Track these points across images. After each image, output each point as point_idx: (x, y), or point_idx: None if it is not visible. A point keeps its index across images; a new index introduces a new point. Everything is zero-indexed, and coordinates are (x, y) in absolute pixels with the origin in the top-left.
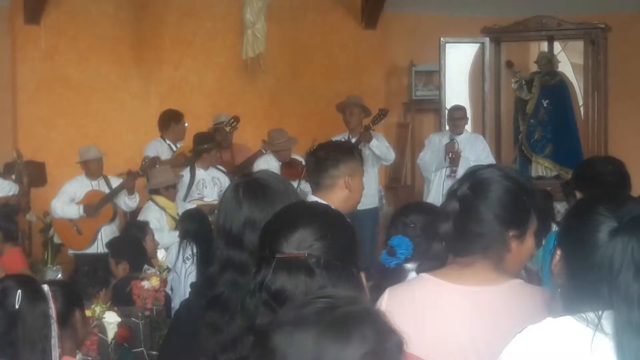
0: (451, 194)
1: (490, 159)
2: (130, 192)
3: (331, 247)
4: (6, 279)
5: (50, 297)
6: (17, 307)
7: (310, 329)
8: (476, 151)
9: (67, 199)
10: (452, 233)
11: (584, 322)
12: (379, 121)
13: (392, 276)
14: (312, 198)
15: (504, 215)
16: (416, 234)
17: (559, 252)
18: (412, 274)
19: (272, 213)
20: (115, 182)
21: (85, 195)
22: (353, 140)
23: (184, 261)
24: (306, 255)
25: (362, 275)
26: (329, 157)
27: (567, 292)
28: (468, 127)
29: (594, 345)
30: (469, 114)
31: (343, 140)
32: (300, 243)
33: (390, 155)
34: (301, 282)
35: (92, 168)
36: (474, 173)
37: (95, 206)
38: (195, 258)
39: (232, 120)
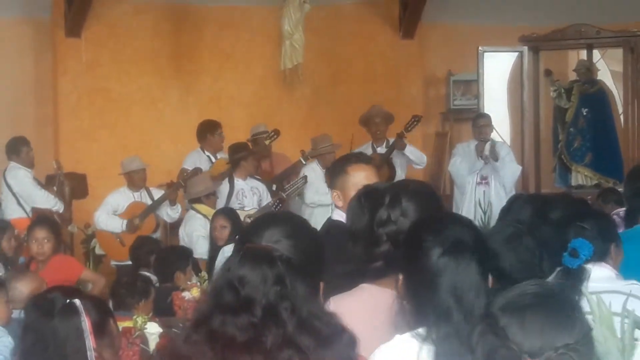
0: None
1: (514, 164)
2: (173, 203)
3: (295, 247)
4: (53, 290)
5: (83, 310)
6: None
7: (535, 313)
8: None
9: (110, 211)
10: None
11: (417, 338)
12: (413, 128)
13: (575, 276)
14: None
15: None
16: (593, 236)
17: (400, 277)
18: (592, 272)
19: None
20: (157, 193)
21: (128, 207)
22: (378, 149)
23: None
24: (271, 247)
25: (321, 283)
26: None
27: (411, 309)
28: (507, 135)
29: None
30: (507, 123)
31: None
32: (269, 238)
33: (423, 158)
34: (262, 271)
35: (135, 179)
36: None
37: (137, 219)
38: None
39: (273, 133)
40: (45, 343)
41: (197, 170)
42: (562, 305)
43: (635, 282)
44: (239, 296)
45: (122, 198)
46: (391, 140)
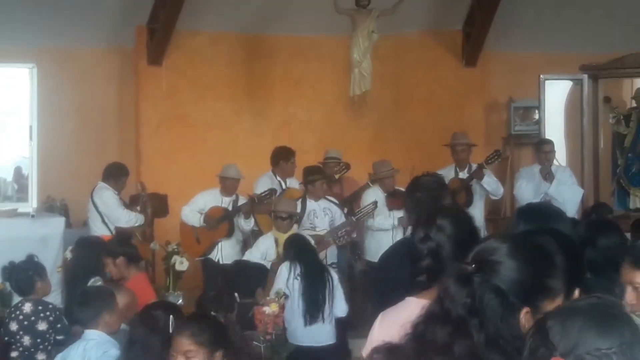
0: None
1: (576, 187)
2: (246, 215)
3: (510, 269)
4: (155, 307)
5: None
6: (171, 331)
7: (579, 317)
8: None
9: (196, 209)
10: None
11: None
12: (494, 162)
13: None
14: None
15: None
16: None
17: (577, 291)
18: None
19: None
20: (243, 202)
21: (209, 209)
22: (460, 173)
23: (295, 278)
24: (471, 269)
25: (525, 308)
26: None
27: None
28: (563, 160)
29: None
30: (565, 148)
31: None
32: (490, 254)
33: (499, 190)
34: (460, 287)
35: (228, 186)
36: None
37: (214, 221)
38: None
39: (344, 167)
40: (150, 356)
41: (272, 191)
42: (605, 313)
43: None
44: (442, 307)
45: (211, 199)
46: (473, 165)
